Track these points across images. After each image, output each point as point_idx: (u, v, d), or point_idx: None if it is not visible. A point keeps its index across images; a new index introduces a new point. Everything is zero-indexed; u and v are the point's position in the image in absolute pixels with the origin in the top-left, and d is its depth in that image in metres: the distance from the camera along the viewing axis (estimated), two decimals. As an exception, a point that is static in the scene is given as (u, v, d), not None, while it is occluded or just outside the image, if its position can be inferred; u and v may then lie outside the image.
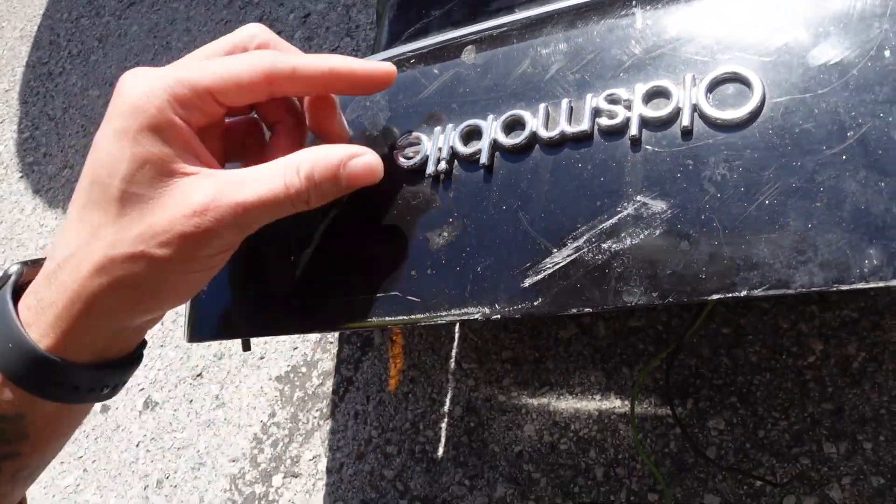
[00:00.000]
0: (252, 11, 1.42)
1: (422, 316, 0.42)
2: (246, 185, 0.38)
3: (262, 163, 0.40)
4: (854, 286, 0.32)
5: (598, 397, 0.75)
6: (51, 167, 1.47)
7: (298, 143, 0.44)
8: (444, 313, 0.41)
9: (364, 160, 0.41)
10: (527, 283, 0.39)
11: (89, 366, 0.41)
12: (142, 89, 0.37)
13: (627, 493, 0.70)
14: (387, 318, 0.44)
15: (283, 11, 1.37)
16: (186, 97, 0.38)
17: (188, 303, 0.54)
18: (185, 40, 1.47)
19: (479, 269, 0.41)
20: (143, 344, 0.45)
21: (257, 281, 0.49)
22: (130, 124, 0.37)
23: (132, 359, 0.44)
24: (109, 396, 0.44)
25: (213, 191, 0.37)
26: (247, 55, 0.40)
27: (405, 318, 0.43)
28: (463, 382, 0.81)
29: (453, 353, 0.84)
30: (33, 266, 0.42)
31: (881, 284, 0.32)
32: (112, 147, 0.37)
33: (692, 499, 0.67)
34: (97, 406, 1.06)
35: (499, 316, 0.39)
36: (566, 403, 0.76)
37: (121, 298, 0.39)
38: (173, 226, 0.37)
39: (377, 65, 0.43)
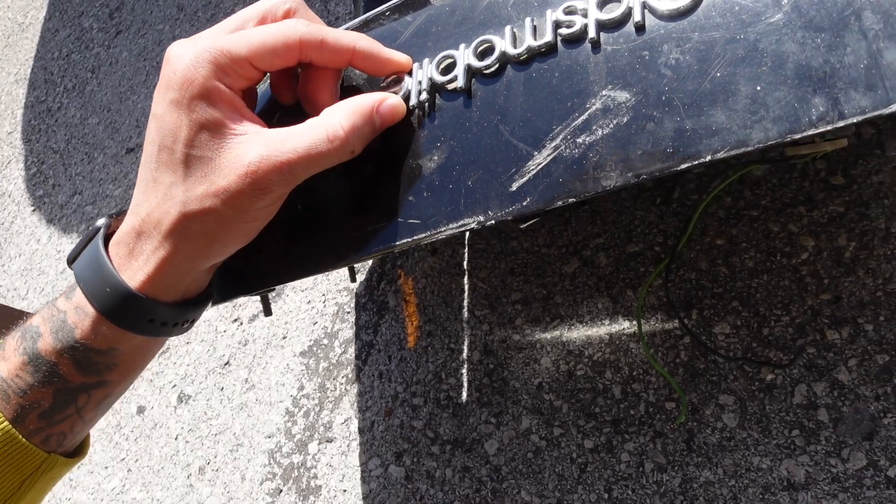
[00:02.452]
0: (232, 18, 1.45)
1: (424, 235, 0.45)
2: (291, 142, 0.43)
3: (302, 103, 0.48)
4: (805, 133, 0.35)
5: (607, 322, 0.78)
6: (61, 196, 1.51)
7: (333, 81, 0.49)
8: (443, 229, 0.45)
9: (391, 102, 0.47)
10: (514, 186, 0.43)
11: (174, 304, 0.47)
12: (189, 61, 0.43)
13: (646, 405, 0.73)
14: (394, 244, 0.47)
15: (260, 11, 1.41)
16: (227, 66, 0.43)
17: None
18: (172, 57, 1.50)
19: (469, 182, 0.44)
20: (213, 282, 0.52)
21: (271, 234, 0.53)
22: (184, 94, 0.42)
23: (206, 295, 0.51)
24: (188, 329, 0.51)
25: (262, 150, 0.42)
26: (280, 25, 0.45)
27: (408, 240, 0.46)
28: (478, 329, 0.85)
29: (465, 303, 0.87)
30: (117, 217, 0.49)
31: (829, 128, 0.35)
32: (172, 116, 0.43)
33: (707, 401, 0.70)
34: (133, 408, 1.10)
35: (493, 221, 0.43)
36: (578, 332, 0.79)
37: (195, 246, 0.45)
38: (230, 185, 0.42)
39: (397, 54, 0.49)
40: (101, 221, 0.49)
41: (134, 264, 0.46)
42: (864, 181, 0.73)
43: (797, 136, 0.35)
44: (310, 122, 0.45)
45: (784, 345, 0.70)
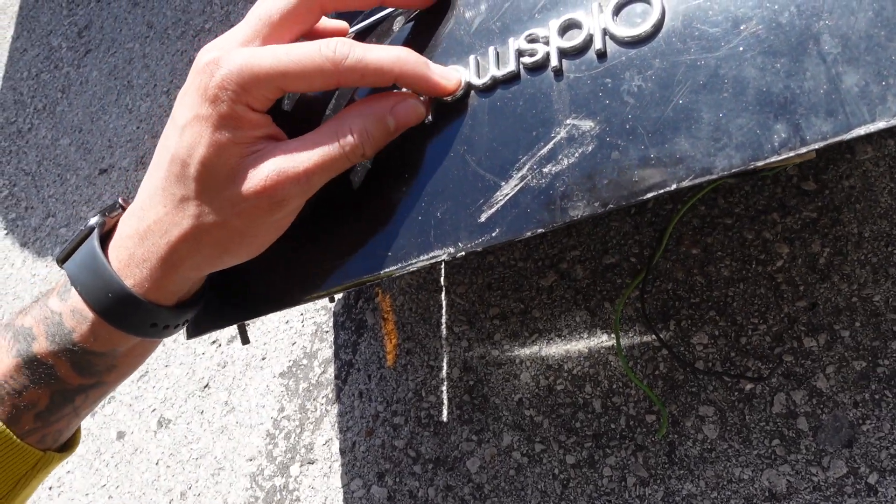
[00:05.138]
0: (206, 38, 1.44)
1: (395, 267, 0.45)
2: (304, 153, 0.43)
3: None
4: (768, 160, 0.35)
5: (585, 335, 0.78)
6: (34, 219, 1.50)
7: None
8: (414, 261, 0.45)
9: (407, 104, 0.45)
10: (483, 217, 0.42)
11: (174, 307, 0.48)
12: (220, 80, 0.42)
13: (626, 418, 0.73)
14: (364, 276, 0.47)
15: (230, 29, 1.40)
16: (257, 90, 0.43)
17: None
18: (144, 76, 1.49)
19: (438, 214, 0.44)
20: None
21: (244, 267, 0.52)
22: (210, 113, 0.42)
23: (200, 295, 0.52)
24: (182, 328, 0.52)
25: (277, 164, 0.43)
26: (319, 47, 0.43)
27: (379, 272, 0.46)
28: (456, 345, 0.85)
29: (443, 320, 0.87)
30: (111, 214, 0.49)
31: (792, 154, 0.35)
32: (194, 130, 0.43)
33: (687, 412, 0.70)
34: (113, 434, 1.09)
35: (463, 253, 0.43)
36: (556, 346, 0.79)
37: (204, 257, 0.46)
38: (247, 200, 0.43)
39: (446, 73, 0.46)
40: (94, 220, 0.49)
41: (136, 271, 0.46)
42: (836, 186, 0.73)
43: (760, 164, 0.35)
44: (324, 128, 0.45)
45: (762, 354, 0.70)
